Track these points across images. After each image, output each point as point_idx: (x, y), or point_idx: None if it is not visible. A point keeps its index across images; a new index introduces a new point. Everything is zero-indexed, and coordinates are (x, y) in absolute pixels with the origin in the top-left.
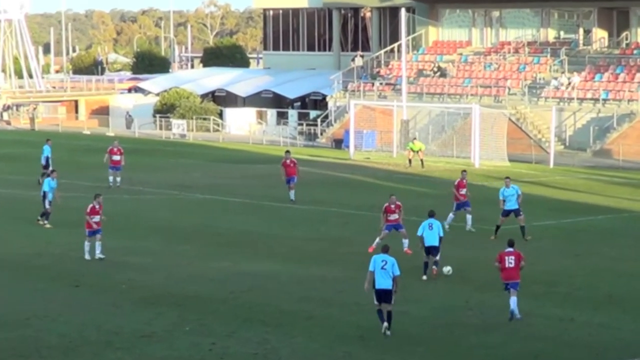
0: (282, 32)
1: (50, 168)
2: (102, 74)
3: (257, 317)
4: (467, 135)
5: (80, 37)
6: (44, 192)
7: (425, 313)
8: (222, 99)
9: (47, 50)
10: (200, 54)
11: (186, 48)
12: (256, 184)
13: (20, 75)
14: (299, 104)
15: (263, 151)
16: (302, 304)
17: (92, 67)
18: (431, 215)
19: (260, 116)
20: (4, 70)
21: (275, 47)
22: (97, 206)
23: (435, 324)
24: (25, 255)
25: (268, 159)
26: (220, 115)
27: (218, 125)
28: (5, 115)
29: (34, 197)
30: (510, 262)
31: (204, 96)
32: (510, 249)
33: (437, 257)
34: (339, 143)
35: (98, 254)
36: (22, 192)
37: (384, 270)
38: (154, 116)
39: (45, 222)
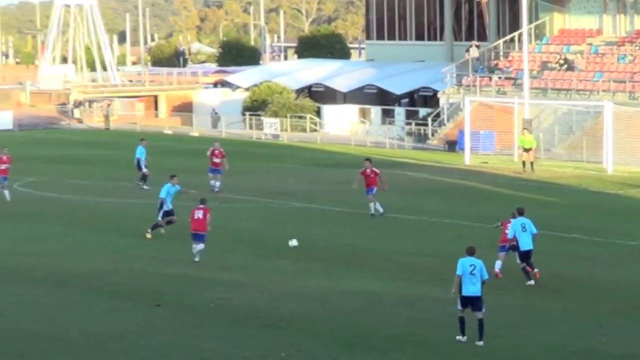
0: (388, 19)
1: (172, 174)
2: (184, 66)
3: (361, 342)
4: (598, 137)
5: (160, 25)
6: (161, 200)
7: (555, 338)
8: (320, 94)
9: (122, 39)
10: (295, 44)
11: (279, 37)
12: (359, 191)
13: (93, 68)
14: (407, 100)
15: (367, 154)
16: (411, 328)
17: (173, 59)
18: (521, 213)
19: (364, 114)
20: (74, 63)
21: (380, 37)
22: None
23: (567, 353)
24: (99, 271)
25: (374, 163)
26: (318, 113)
27: (315, 124)
28: (77, 113)
29: (107, 205)
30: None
31: (299, 92)
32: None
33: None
34: (452, 145)
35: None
36: (93, 199)
37: (473, 276)
38: (244, 114)
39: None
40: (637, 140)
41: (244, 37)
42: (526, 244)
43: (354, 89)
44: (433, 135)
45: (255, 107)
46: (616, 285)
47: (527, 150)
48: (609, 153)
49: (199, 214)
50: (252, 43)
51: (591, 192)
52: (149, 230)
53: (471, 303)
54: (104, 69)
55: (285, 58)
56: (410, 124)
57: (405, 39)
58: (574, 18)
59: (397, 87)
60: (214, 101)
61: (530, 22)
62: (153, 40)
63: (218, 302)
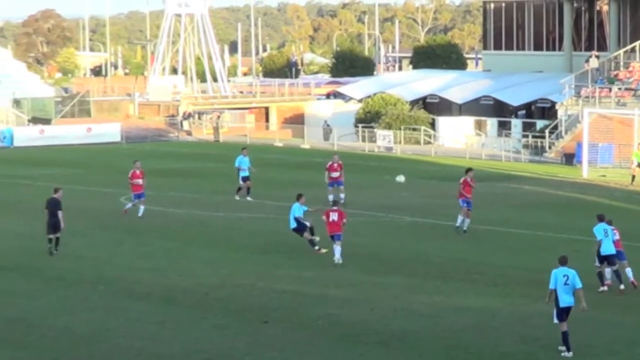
0: (505, 28)
1: (299, 193)
2: (296, 76)
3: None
4: None
5: (272, 35)
6: (296, 221)
7: None
8: (435, 106)
9: (233, 49)
10: (410, 54)
11: (393, 47)
12: (475, 204)
13: (202, 79)
14: (523, 112)
15: (482, 167)
16: (526, 346)
17: (285, 69)
18: (601, 219)
19: (479, 126)
20: (184, 73)
21: (497, 46)
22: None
23: None
24: (205, 287)
25: (488, 176)
26: (433, 125)
27: (430, 136)
28: (186, 125)
29: (216, 219)
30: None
31: (413, 103)
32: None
33: (616, 267)
34: (570, 158)
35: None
36: (201, 213)
37: (567, 286)
38: (356, 126)
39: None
40: None
41: (357, 47)
42: (608, 248)
43: (469, 100)
44: (550, 147)
45: (368, 118)
46: None
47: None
48: None
49: (334, 216)
50: (366, 53)
51: None
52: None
53: (568, 314)
54: (214, 79)
55: (400, 68)
56: (526, 136)
57: (523, 49)
58: None
59: (514, 98)
60: (325, 112)
61: None
62: (265, 50)
63: (327, 319)
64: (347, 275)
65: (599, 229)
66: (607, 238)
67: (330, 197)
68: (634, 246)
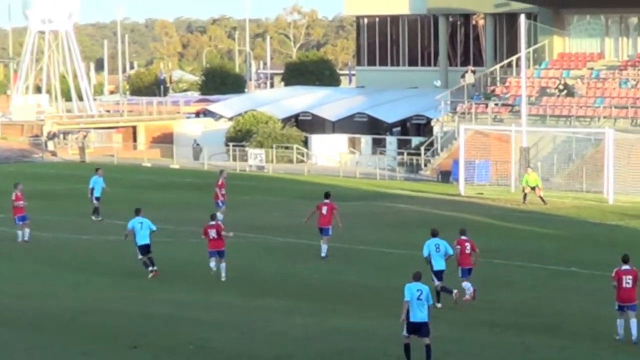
0: (379, 44)
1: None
2: (165, 95)
3: None
4: (599, 165)
5: (140, 52)
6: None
7: None
8: (308, 124)
9: (100, 67)
10: (282, 71)
11: (265, 64)
12: (348, 225)
13: (68, 98)
14: (399, 129)
15: (356, 186)
16: None
17: (153, 87)
18: (434, 234)
19: (353, 144)
20: (49, 92)
21: (371, 62)
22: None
23: None
24: (72, 311)
25: (363, 196)
26: (306, 143)
27: (303, 155)
28: (51, 145)
29: (83, 242)
30: (627, 282)
31: (286, 121)
32: (627, 267)
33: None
34: (446, 176)
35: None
36: (67, 236)
37: (420, 301)
38: (227, 145)
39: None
40: (639, 168)
41: (228, 64)
42: (440, 264)
43: (343, 117)
44: (426, 165)
45: (240, 137)
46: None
47: (533, 189)
48: (609, 182)
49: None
50: (237, 70)
51: (591, 224)
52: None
53: (419, 329)
54: (80, 98)
55: (272, 86)
56: (402, 153)
57: (398, 65)
58: (575, 41)
59: (389, 115)
60: (195, 131)
61: (529, 45)
62: (132, 68)
63: (198, 343)
64: (220, 299)
65: (430, 245)
66: (437, 254)
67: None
68: (511, 265)
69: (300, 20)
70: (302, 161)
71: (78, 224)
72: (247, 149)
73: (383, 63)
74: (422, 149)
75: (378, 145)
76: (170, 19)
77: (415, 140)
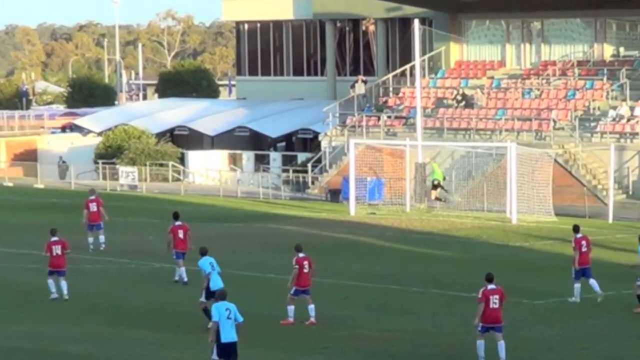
0: (261, 51)
1: None
2: (27, 107)
3: None
4: (501, 182)
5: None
6: None
7: None
8: (184, 138)
9: None
10: (155, 81)
11: (137, 73)
12: (229, 248)
13: None
14: (283, 144)
15: (238, 206)
16: None
17: (14, 100)
18: (203, 253)
19: (234, 161)
20: None
21: (252, 72)
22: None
23: None
24: None
25: (245, 216)
26: (182, 160)
27: (179, 172)
28: None
29: None
30: (494, 302)
31: (160, 135)
32: (493, 286)
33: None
34: (335, 194)
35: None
36: None
37: (229, 320)
38: (96, 162)
39: None
40: (543, 185)
41: (96, 74)
42: (217, 283)
43: (222, 131)
44: (313, 183)
45: (110, 153)
46: (521, 352)
47: (436, 186)
48: (512, 200)
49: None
50: (106, 80)
51: (493, 245)
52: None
53: (231, 349)
54: None
55: (144, 97)
56: (287, 170)
57: (282, 74)
58: (473, 48)
59: (272, 129)
60: (61, 148)
61: (423, 53)
62: None
63: None
64: (88, 330)
65: (204, 263)
66: (214, 271)
67: (90, 240)
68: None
69: (175, 26)
70: (178, 179)
71: None
72: (117, 166)
73: (265, 72)
74: (309, 165)
75: (261, 161)
76: (33, 25)
77: (301, 156)
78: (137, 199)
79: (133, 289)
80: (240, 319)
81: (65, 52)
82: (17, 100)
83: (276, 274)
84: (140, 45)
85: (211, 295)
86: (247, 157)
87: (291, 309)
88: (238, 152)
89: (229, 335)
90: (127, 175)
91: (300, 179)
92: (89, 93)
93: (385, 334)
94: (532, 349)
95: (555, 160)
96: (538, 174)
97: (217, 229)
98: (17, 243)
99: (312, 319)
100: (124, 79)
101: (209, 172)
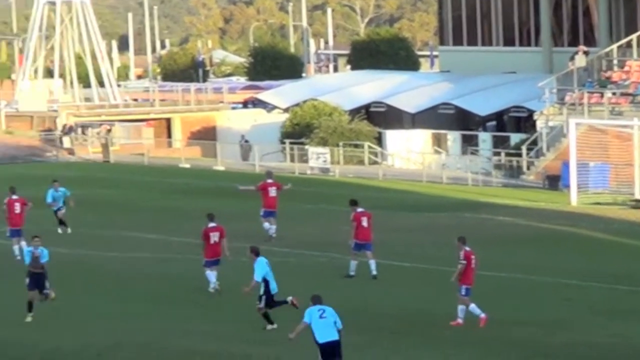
0: (467, 19)
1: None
2: (204, 80)
3: None
4: None
5: (172, 27)
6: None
7: None
8: (381, 116)
9: (124, 46)
10: (347, 51)
11: (326, 42)
12: (434, 241)
13: (86, 83)
14: (493, 123)
15: (443, 193)
16: None
17: (189, 71)
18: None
19: (438, 142)
20: (62, 76)
21: (457, 41)
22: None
23: None
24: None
25: (451, 205)
26: (379, 140)
27: (376, 154)
28: (67, 141)
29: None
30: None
31: (354, 112)
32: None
33: None
34: (554, 181)
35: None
36: (86, 252)
37: (323, 319)
38: (282, 142)
39: None
40: None
41: (280, 43)
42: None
43: (424, 108)
44: (529, 168)
45: (297, 132)
46: None
47: None
48: None
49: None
50: (292, 50)
51: None
52: None
53: (330, 349)
54: (101, 84)
55: (335, 69)
56: (498, 153)
57: (490, 44)
58: None
59: (481, 107)
60: (243, 125)
61: None
62: (163, 46)
63: None
64: (275, 332)
65: (262, 265)
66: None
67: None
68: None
69: None
70: (376, 162)
71: (102, 237)
72: (307, 147)
73: (472, 42)
74: (523, 147)
75: (468, 143)
76: None
77: (514, 137)
78: (329, 184)
79: (325, 285)
80: (340, 325)
81: (245, 17)
82: (193, 71)
83: (486, 271)
84: (329, 10)
85: (272, 300)
86: (453, 137)
87: (462, 309)
88: (442, 132)
89: (326, 334)
90: (318, 157)
91: (514, 164)
92: (272, 64)
93: (612, 340)
94: None
95: None
96: None
97: (420, 219)
98: (196, 232)
99: (459, 320)
100: (312, 48)
101: (410, 154)
